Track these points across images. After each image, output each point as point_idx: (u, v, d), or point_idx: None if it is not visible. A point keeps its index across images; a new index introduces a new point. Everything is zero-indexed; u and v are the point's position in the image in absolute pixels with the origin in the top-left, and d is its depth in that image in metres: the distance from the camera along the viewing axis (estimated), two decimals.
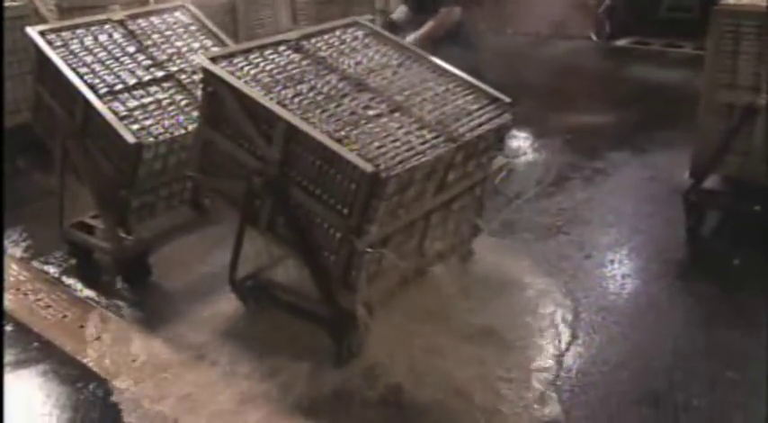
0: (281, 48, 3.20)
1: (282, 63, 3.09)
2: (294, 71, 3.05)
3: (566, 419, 2.60)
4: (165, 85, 3.62)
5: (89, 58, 3.58)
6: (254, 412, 2.66)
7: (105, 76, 3.51)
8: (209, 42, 3.97)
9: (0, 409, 2.31)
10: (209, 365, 2.93)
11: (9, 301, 3.44)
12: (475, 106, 3.14)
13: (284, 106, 2.78)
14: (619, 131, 5.46)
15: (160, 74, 3.65)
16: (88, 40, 3.67)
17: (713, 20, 3.61)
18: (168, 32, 3.94)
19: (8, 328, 3.24)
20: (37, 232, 4.11)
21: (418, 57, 3.41)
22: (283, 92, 2.89)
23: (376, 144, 2.68)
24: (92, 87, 3.41)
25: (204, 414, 2.67)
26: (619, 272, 3.55)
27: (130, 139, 3.23)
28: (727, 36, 3.57)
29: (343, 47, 3.35)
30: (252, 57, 3.06)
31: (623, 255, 3.70)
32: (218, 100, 2.93)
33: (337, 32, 3.45)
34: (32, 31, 3.61)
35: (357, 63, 3.24)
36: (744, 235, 3.75)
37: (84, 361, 2.99)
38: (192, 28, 4.03)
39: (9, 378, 2.90)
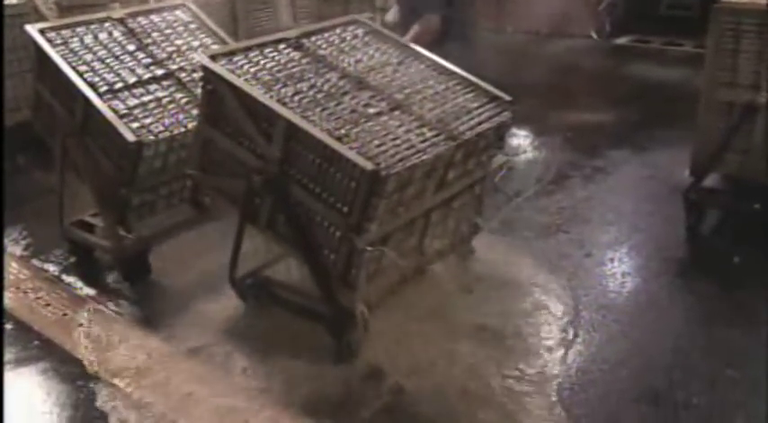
0: (282, 46, 3.19)
1: (282, 61, 3.09)
2: (294, 69, 3.05)
3: (565, 417, 2.60)
4: (165, 83, 3.61)
5: (89, 57, 3.57)
6: (254, 411, 2.66)
7: (105, 75, 3.51)
8: (209, 40, 3.97)
9: (0, 408, 2.31)
10: (209, 364, 2.93)
11: (9, 299, 3.44)
12: (475, 104, 3.14)
13: (284, 104, 2.78)
14: (619, 130, 5.46)
15: (160, 72, 3.65)
16: (88, 39, 3.67)
17: (713, 18, 3.61)
18: (168, 31, 3.93)
19: (8, 326, 3.24)
20: (37, 230, 4.10)
21: (418, 55, 3.40)
22: (283, 90, 2.88)
23: (376, 142, 2.69)
24: (92, 85, 3.41)
25: (204, 413, 2.67)
26: (619, 270, 3.55)
27: (130, 137, 3.22)
28: (728, 34, 3.56)
29: (343, 45, 3.35)
30: (252, 55, 3.06)
31: (623, 253, 3.70)
32: (218, 98, 2.93)
33: (337, 30, 3.45)
34: (32, 30, 3.60)
35: (357, 61, 3.24)
36: (744, 233, 3.75)
37: (84, 359, 2.99)
38: (192, 26, 4.03)
39: (9, 376, 2.89)
